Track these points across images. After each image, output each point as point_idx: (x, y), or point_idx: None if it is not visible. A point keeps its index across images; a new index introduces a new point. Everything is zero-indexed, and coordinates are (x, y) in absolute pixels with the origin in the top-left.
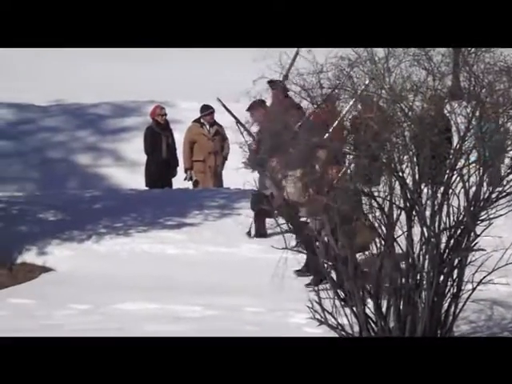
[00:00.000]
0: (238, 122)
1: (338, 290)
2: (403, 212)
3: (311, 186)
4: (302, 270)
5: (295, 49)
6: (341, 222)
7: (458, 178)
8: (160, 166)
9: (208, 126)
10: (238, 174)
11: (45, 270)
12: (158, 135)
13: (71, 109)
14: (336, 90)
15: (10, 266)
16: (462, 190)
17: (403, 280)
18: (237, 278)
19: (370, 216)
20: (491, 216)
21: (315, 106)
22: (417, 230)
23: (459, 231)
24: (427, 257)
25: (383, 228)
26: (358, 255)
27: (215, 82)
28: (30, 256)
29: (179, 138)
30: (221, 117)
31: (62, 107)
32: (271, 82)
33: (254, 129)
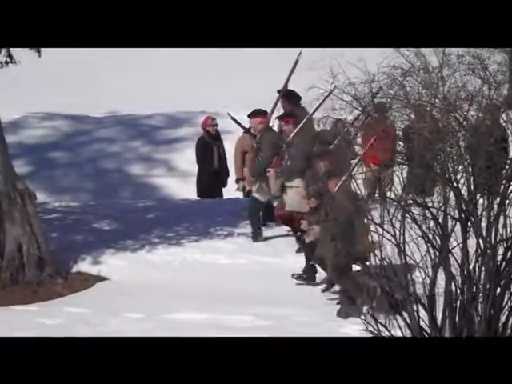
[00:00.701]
0: (246, 131)
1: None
2: (458, 223)
3: (313, 196)
4: (302, 275)
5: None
6: (340, 231)
7: None
8: (211, 176)
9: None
10: None
11: (99, 279)
12: (209, 146)
13: (125, 120)
14: (388, 100)
15: (65, 275)
16: None
17: (458, 292)
18: (287, 287)
19: (424, 227)
20: None
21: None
22: (472, 242)
23: None
24: (483, 269)
25: (437, 239)
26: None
27: (266, 93)
28: (84, 265)
29: (230, 148)
30: (273, 126)
31: (117, 118)
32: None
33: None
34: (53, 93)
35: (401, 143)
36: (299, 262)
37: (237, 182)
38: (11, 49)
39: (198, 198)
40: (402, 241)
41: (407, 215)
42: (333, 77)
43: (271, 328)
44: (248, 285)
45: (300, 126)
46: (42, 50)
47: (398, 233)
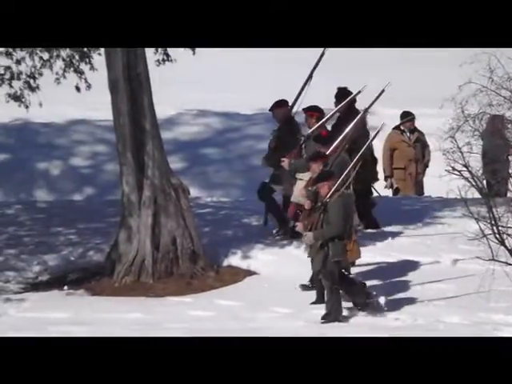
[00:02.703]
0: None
1: None
2: None
3: (309, 198)
4: (308, 284)
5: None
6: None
7: None
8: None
9: (408, 133)
10: (440, 182)
11: (249, 273)
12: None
13: None
14: None
15: (216, 269)
16: None
17: None
18: (439, 287)
19: None
20: None
21: None
22: None
23: None
24: None
25: None
26: None
27: (417, 88)
28: (235, 259)
29: (379, 145)
30: (422, 123)
31: (266, 116)
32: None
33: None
34: (206, 90)
35: None
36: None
37: (385, 179)
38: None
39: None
40: None
41: None
42: (490, 71)
43: (418, 328)
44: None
45: (322, 121)
46: (196, 48)
47: None
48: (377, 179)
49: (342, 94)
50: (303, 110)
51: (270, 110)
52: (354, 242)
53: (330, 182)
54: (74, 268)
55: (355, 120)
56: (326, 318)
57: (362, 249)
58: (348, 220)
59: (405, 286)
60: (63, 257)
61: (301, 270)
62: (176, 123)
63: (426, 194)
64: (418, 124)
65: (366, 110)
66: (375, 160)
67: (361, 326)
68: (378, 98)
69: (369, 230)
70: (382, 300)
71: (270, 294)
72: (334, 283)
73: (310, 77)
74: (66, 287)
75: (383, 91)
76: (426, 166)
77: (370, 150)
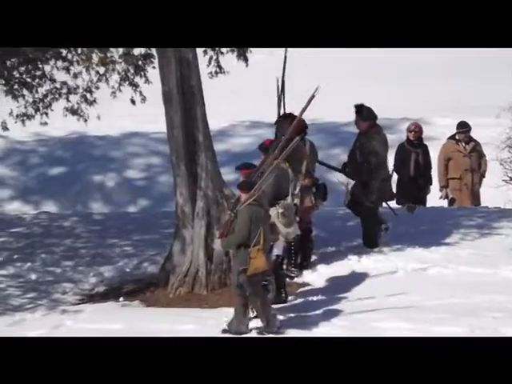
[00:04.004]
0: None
1: None
2: None
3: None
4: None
5: None
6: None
7: None
8: (407, 184)
9: (464, 143)
10: (497, 192)
11: (303, 284)
12: (407, 152)
13: (326, 127)
14: None
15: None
16: None
17: None
18: (497, 299)
19: None
20: None
21: None
22: None
23: None
24: None
25: None
26: None
27: (474, 98)
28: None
29: (434, 155)
30: (478, 133)
31: (317, 126)
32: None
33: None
34: (258, 101)
35: None
36: None
37: (440, 189)
38: (220, 59)
39: (399, 206)
40: None
41: None
42: None
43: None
44: (454, 295)
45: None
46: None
47: None
48: (392, 197)
49: (367, 111)
50: (274, 123)
51: (274, 124)
52: (258, 251)
53: (244, 191)
54: (129, 279)
55: (290, 128)
56: (266, 330)
57: (421, 259)
58: (255, 230)
59: (462, 298)
60: (119, 268)
61: (354, 282)
62: (229, 135)
63: (482, 205)
64: (474, 133)
65: (300, 116)
66: (390, 176)
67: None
68: (308, 104)
69: (422, 241)
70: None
71: (319, 306)
72: (254, 292)
73: (283, 84)
74: (121, 298)
75: (313, 97)
76: (483, 176)
77: (385, 165)
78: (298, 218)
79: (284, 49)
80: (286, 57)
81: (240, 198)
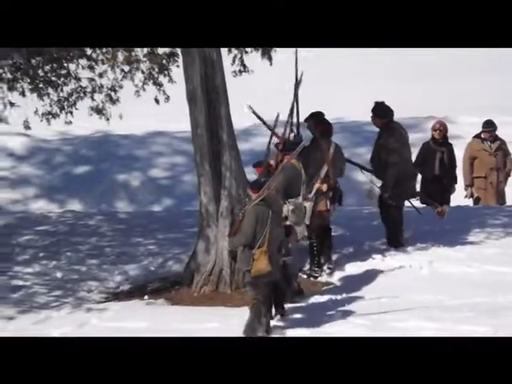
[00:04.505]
0: (268, 128)
1: None
2: None
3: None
4: None
5: None
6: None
7: None
8: (432, 183)
9: (489, 142)
10: None
11: (327, 283)
12: (432, 151)
13: (350, 126)
14: None
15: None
16: None
17: None
18: None
19: None
20: None
21: None
22: None
23: None
24: None
25: None
26: None
27: (497, 96)
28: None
29: (459, 154)
30: (504, 132)
31: (342, 125)
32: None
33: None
34: (283, 101)
35: None
36: None
37: (466, 188)
38: (244, 57)
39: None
40: None
41: None
42: None
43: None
44: (478, 294)
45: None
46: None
47: None
48: (414, 194)
49: (380, 109)
50: (304, 121)
51: (304, 121)
52: (261, 253)
53: (253, 190)
54: (153, 278)
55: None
56: (244, 331)
57: (446, 258)
58: (260, 231)
59: (487, 297)
60: (143, 267)
61: (380, 281)
62: (253, 134)
63: (508, 204)
64: (499, 132)
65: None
66: (413, 174)
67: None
68: (296, 91)
69: (447, 240)
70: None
71: (343, 305)
72: (255, 294)
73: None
74: (146, 297)
75: (299, 82)
76: (508, 175)
77: (408, 163)
78: (307, 221)
79: (295, 49)
80: (296, 58)
81: (251, 198)
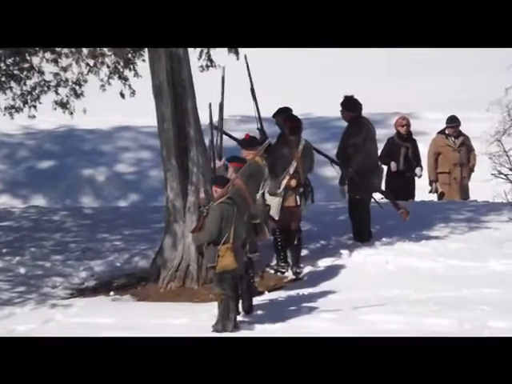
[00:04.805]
0: (215, 128)
1: None
2: None
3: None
4: None
5: None
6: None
7: None
8: (396, 178)
9: (453, 138)
10: (486, 186)
11: (294, 278)
12: (397, 146)
13: (317, 122)
14: None
15: (261, 274)
16: None
17: None
18: (485, 292)
19: None
20: None
21: None
22: None
23: None
24: None
25: None
26: None
27: (461, 92)
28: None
29: (424, 150)
30: (468, 127)
31: (311, 120)
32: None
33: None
34: (249, 96)
35: None
36: (503, 266)
37: (430, 183)
38: (211, 52)
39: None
40: None
41: None
42: None
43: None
44: (443, 289)
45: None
46: (240, 52)
47: None
48: (378, 190)
49: (350, 102)
50: (272, 116)
51: (272, 117)
52: (227, 249)
53: (218, 186)
54: (119, 274)
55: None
56: (214, 327)
57: (411, 252)
58: (225, 228)
59: (451, 290)
60: (109, 263)
61: (344, 276)
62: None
63: (471, 199)
64: (463, 128)
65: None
66: (378, 169)
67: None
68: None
69: (412, 235)
70: None
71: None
72: (221, 290)
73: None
74: (112, 293)
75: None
76: (472, 171)
77: (373, 158)
78: (276, 217)
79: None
80: (247, 63)
81: (213, 194)
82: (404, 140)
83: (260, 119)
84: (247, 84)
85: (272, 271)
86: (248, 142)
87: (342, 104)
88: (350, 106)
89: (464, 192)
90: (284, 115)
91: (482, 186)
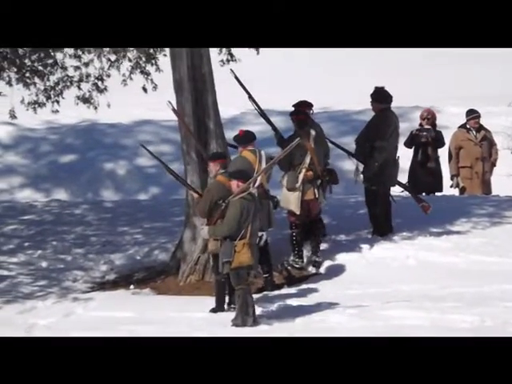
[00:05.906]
0: (249, 97)
1: None
2: None
3: None
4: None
5: None
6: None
7: None
8: (419, 171)
9: (475, 132)
10: (509, 181)
11: (314, 272)
12: (418, 138)
13: (337, 116)
14: None
15: (281, 268)
16: None
17: None
18: (509, 289)
19: None
20: None
21: None
22: None
23: None
24: None
25: None
26: None
27: (485, 86)
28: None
29: (445, 144)
30: (489, 121)
31: (329, 114)
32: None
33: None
34: (270, 89)
35: None
36: None
37: (451, 178)
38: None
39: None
40: None
41: None
42: None
43: (495, 330)
44: (464, 284)
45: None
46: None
47: None
48: (395, 182)
49: (380, 94)
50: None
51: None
52: (244, 245)
53: (240, 180)
54: (139, 267)
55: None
56: (233, 322)
57: (432, 247)
58: (244, 223)
59: (472, 286)
60: (129, 256)
61: (368, 271)
62: (239, 122)
63: (493, 193)
64: (485, 122)
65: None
66: (395, 162)
67: (425, 327)
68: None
69: (433, 230)
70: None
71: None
72: (238, 285)
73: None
74: (132, 286)
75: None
76: (494, 165)
77: (391, 151)
78: (297, 211)
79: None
80: (236, 76)
81: (231, 186)
82: (427, 131)
83: (270, 123)
84: (267, 78)
85: (288, 266)
86: (242, 138)
87: (372, 95)
88: (381, 97)
89: (486, 186)
90: (293, 111)
91: (505, 180)
